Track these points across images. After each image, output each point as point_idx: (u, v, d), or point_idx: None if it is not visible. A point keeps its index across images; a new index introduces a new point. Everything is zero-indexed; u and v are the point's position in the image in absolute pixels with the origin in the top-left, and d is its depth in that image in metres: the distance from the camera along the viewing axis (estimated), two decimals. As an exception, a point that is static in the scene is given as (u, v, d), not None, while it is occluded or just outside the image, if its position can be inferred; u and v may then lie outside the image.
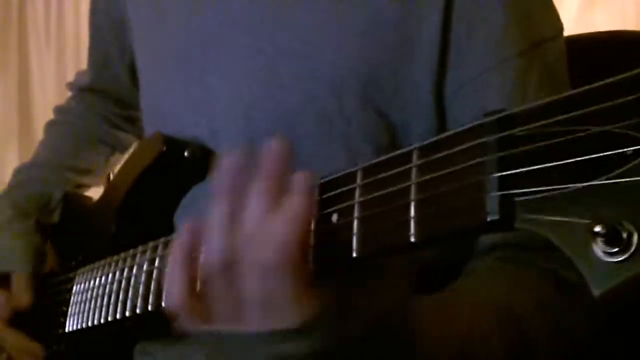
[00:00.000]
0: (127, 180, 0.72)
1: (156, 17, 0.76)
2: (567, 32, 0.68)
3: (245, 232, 0.40)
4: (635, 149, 0.27)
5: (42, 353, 0.79)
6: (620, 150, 0.27)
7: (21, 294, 0.82)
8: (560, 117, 0.30)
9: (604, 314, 0.58)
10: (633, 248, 0.27)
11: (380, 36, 0.62)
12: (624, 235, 0.27)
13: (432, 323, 0.47)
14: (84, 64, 0.98)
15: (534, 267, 0.58)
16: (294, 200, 0.39)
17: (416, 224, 0.34)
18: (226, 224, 0.41)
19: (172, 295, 0.45)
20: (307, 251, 0.39)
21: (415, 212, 0.34)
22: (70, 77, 1.04)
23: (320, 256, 0.41)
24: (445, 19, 0.60)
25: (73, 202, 0.88)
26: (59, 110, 1.03)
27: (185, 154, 0.67)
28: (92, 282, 0.70)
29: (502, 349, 0.51)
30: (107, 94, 0.98)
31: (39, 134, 1.02)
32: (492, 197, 0.31)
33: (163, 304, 0.53)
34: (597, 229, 0.27)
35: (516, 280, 0.57)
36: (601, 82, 0.29)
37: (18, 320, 0.81)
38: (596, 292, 0.27)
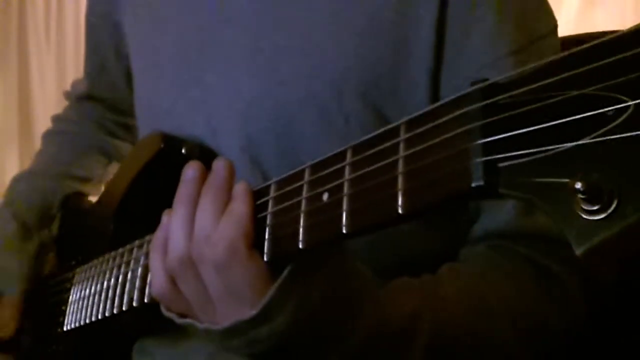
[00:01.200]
0: (126, 180, 0.72)
1: (153, 17, 0.77)
2: (567, 32, 0.68)
3: (199, 234, 0.47)
4: (615, 109, 0.28)
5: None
6: (601, 111, 0.28)
7: (6, 322, 0.83)
8: (541, 83, 0.30)
9: (584, 305, 0.59)
10: (614, 206, 0.27)
11: (378, 35, 0.63)
12: (605, 193, 0.27)
13: (388, 297, 0.51)
14: (83, 65, 0.99)
15: (517, 256, 0.59)
16: (236, 205, 0.47)
17: (403, 195, 0.35)
18: (184, 227, 0.49)
19: (155, 284, 0.52)
20: (252, 246, 0.46)
21: (403, 184, 0.35)
22: (70, 77, 1.05)
23: (310, 237, 0.41)
24: (440, 17, 0.61)
25: (72, 204, 0.89)
26: (56, 119, 1.04)
27: (183, 151, 0.67)
28: (90, 279, 0.71)
29: (469, 330, 0.54)
30: (104, 101, 0.99)
31: (39, 135, 1.03)
32: (477, 164, 0.31)
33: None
34: (577, 185, 0.27)
35: (500, 268, 0.59)
36: (579, 48, 0.29)
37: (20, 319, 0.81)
38: (578, 250, 0.28)
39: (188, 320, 0.51)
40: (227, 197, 0.48)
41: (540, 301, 0.57)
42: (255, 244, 0.46)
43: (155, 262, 0.51)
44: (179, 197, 0.50)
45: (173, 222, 0.50)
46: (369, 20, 0.63)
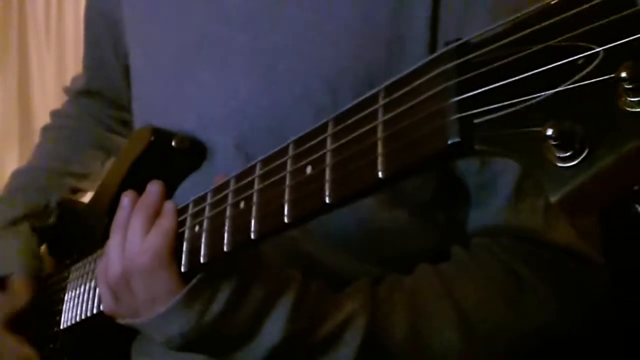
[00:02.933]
0: (118, 175, 0.72)
1: (151, 15, 0.77)
2: None
3: (130, 248, 0.55)
4: (585, 57, 0.28)
5: (38, 358, 0.79)
6: (571, 59, 0.28)
7: (19, 295, 0.83)
8: (512, 38, 0.31)
9: (556, 312, 0.59)
10: (586, 151, 0.27)
11: (373, 34, 0.63)
12: (577, 139, 0.27)
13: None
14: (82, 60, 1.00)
15: (491, 259, 0.60)
16: (163, 219, 0.55)
17: (383, 159, 0.35)
18: (119, 249, 0.57)
19: (103, 303, 0.61)
20: (172, 255, 0.53)
21: (382, 149, 0.35)
22: (70, 77, 1.06)
23: (295, 211, 0.41)
24: (433, 15, 0.61)
25: (67, 207, 0.89)
26: (55, 114, 1.04)
27: (173, 143, 0.67)
28: (84, 276, 0.71)
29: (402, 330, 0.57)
30: (102, 96, 0.99)
31: (38, 134, 1.04)
32: (452, 121, 0.31)
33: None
34: (549, 132, 0.27)
35: (466, 271, 0.60)
36: (546, 2, 0.30)
37: (16, 321, 0.81)
38: (552, 198, 0.28)
39: (128, 321, 0.59)
40: (155, 215, 0.56)
41: (504, 308, 0.58)
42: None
43: (100, 285, 0.60)
44: (115, 223, 0.59)
45: (110, 246, 0.58)
46: (364, 20, 0.63)
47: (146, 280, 0.54)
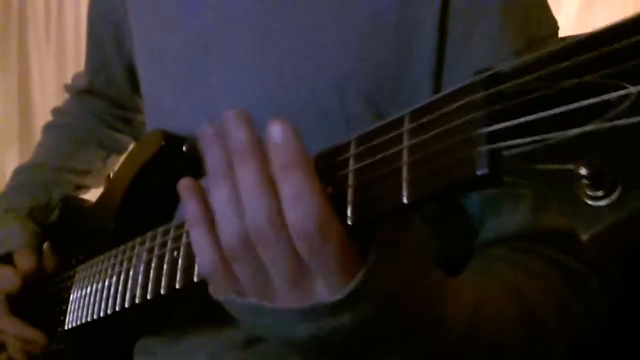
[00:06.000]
0: (127, 177, 0.72)
1: (157, 18, 0.77)
2: (567, 32, 0.68)
3: (257, 217, 0.39)
4: (619, 96, 0.28)
5: (44, 340, 0.79)
6: (604, 97, 0.28)
7: (26, 263, 0.83)
8: (544, 71, 0.30)
9: (606, 304, 0.58)
10: (618, 191, 0.27)
11: (380, 37, 0.63)
12: (609, 179, 0.28)
13: (451, 297, 0.45)
14: (83, 64, 0.99)
15: (541, 256, 0.57)
16: (296, 174, 0.39)
17: (408, 185, 0.35)
18: (234, 206, 0.41)
19: (202, 261, 0.43)
20: (333, 218, 0.38)
21: (407, 174, 0.35)
22: (70, 77, 1.06)
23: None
24: (442, 18, 0.61)
25: (72, 204, 0.89)
26: (56, 112, 1.04)
27: (184, 148, 0.67)
28: (90, 277, 0.71)
29: (517, 329, 0.50)
30: (104, 96, 0.99)
31: (39, 134, 1.04)
32: (481, 152, 0.31)
33: (171, 287, 0.52)
34: (582, 172, 0.28)
35: (526, 267, 0.56)
36: (580, 36, 0.30)
37: (21, 314, 0.81)
38: (584, 235, 0.28)
39: (247, 302, 0.42)
40: (267, 161, 0.40)
41: (570, 300, 0.56)
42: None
43: (202, 239, 0.43)
44: (213, 168, 0.42)
45: (218, 202, 0.42)
46: (371, 22, 0.63)
47: (289, 251, 0.39)
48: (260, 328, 0.44)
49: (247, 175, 0.40)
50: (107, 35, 0.91)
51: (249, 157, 0.40)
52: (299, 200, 0.38)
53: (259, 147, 0.40)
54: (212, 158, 0.42)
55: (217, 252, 0.42)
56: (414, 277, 0.41)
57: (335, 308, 0.38)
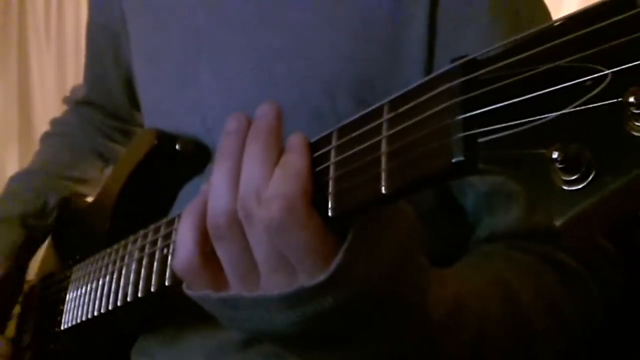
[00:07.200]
0: (122, 177, 0.72)
1: (152, 20, 0.78)
2: None
3: (247, 187, 0.40)
4: (592, 79, 0.28)
5: (10, 348, 0.79)
6: (578, 81, 0.28)
7: None
8: (519, 57, 0.30)
9: (601, 301, 0.58)
10: (592, 175, 0.27)
11: (371, 36, 0.62)
12: (583, 163, 0.27)
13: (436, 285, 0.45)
14: (83, 65, 1.00)
15: (533, 253, 0.57)
16: (291, 157, 0.40)
17: (386, 175, 0.34)
18: (229, 182, 0.41)
19: (180, 256, 0.43)
20: (311, 205, 0.38)
21: (386, 164, 0.35)
22: (71, 77, 1.07)
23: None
24: (431, 17, 0.61)
25: (69, 204, 0.89)
26: (55, 122, 1.05)
27: (177, 147, 0.67)
28: (86, 277, 0.71)
29: (502, 322, 0.50)
30: (102, 107, 1.01)
31: (39, 134, 1.05)
32: (457, 139, 0.31)
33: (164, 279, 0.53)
34: (554, 155, 0.27)
35: (518, 264, 0.56)
36: (554, 21, 0.29)
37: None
38: (557, 221, 0.27)
39: (225, 294, 0.42)
40: (278, 147, 0.41)
41: (563, 296, 0.55)
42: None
43: (185, 226, 0.43)
44: (221, 151, 0.42)
45: (215, 177, 0.42)
46: (362, 22, 0.63)
47: (273, 234, 0.38)
48: (237, 322, 0.43)
49: (256, 148, 0.40)
50: (106, 46, 0.93)
51: (264, 134, 0.41)
52: (283, 181, 0.38)
53: (277, 132, 0.41)
54: (227, 140, 0.42)
55: (198, 244, 0.42)
56: (395, 264, 0.41)
57: (316, 291, 0.38)
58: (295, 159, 0.39)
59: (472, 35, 0.60)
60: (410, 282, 0.42)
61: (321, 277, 0.38)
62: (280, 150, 0.41)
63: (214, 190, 0.42)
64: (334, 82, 0.63)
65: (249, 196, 0.39)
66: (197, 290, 0.44)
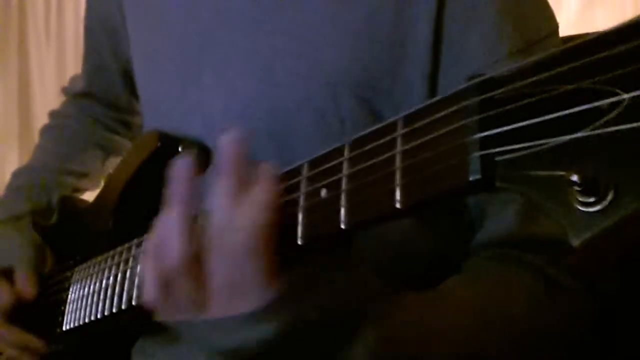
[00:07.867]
0: (123, 178, 0.72)
1: (152, 21, 0.78)
2: (567, 32, 0.67)
3: (219, 220, 0.43)
4: (610, 102, 0.28)
5: (43, 347, 0.79)
6: (596, 104, 0.28)
7: (25, 286, 0.82)
8: (537, 78, 0.30)
9: (591, 316, 0.58)
10: (609, 197, 0.27)
11: (374, 36, 0.62)
12: (601, 185, 0.28)
13: (402, 319, 0.48)
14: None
15: (528, 268, 0.57)
16: (259, 187, 0.43)
17: (401, 190, 0.35)
18: (180, 228, 0.44)
19: (145, 291, 0.48)
20: (273, 236, 0.42)
21: (400, 179, 0.35)
22: (71, 76, 1.06)
23: (309, 232, 0.41)
24: (437, 18, 0.60)
25: (69, 204, 0.89)
26: (53, 114, 1.04)
27: (180, 149, 0.67)
28: (88, 278, 0.71)
29: (486, 347, 0.51)
30: (101, 99, 1.00)
31: (38, 135, 1.04)
32: (474, 158, 0.31)
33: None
34: (573, 178, 0.27)
35: (507, 279, 0.56)
36: (574, 42, 0.30)
37: (18, 317, 0.81)
38: (575, 242, 0.28)
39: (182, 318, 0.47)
40: (244, 175, 0.44)
41: (547, 314, 0.55)
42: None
43: (147, 269, 0.48)
44: (172, 197, 0.47)
45: (166, 224, 0.46)
46: (365, 22, 0.62)
47: (230, 265, 0.42)
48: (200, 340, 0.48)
49: (222, 182, 0.44)
50: (104, 41, 0.92)
51: (228, 165, 0.44)
52: (250, 211, 0.42)
53: (241, 161, 0.44)
54: (175, 187, 0.47)
55: (157, 280, 0.46)
56: (333, 301, 0.44)
57: (241, 322, 0.43)
58: (262, 190, 0.42)
59: (477, 37, 0.60)
60: (348, 317, 0.45)
61: (246, 310, 0.42)
62: (247, 178, 0.43)
63: (167, 237, 0.45)
64: (336, 82, 0.63)
65: (220, 227, 0.43)
66: (163, 318, 0.49)
